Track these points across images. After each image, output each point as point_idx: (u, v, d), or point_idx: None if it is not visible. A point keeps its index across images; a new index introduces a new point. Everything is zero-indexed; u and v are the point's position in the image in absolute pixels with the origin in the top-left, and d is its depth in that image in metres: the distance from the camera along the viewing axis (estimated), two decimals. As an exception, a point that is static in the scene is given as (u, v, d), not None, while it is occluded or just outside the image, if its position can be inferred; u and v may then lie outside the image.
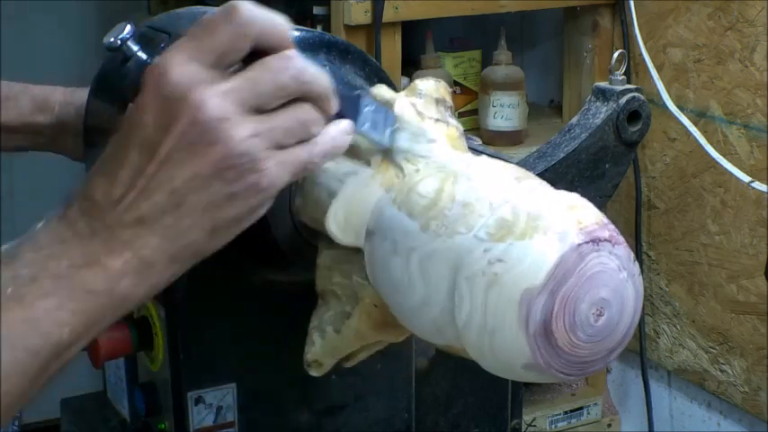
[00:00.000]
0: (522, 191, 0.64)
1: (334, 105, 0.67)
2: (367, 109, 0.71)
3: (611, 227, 0.61)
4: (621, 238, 0.61)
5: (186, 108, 0.61)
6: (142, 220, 0.62)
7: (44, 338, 0.61)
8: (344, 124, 0.68)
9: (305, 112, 0.65)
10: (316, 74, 0.65)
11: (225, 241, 0.65)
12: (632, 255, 0.62)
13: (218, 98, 0.61)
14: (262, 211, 0.65)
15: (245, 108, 0.62)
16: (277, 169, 0.63)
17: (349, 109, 0.69)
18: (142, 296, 0.64)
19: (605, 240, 0.60)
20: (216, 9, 0.67)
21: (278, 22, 0.65)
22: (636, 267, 0.62)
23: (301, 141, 0.65)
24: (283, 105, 0.64)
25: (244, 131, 0.62)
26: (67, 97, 1.05)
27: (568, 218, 0.60)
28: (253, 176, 0.62)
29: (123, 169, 0.62)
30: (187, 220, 0.62)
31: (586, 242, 0.59)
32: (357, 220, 0.70)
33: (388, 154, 0.71)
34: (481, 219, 0.62)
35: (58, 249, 0.62)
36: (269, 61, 0.63)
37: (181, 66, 0.62)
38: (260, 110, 0.63)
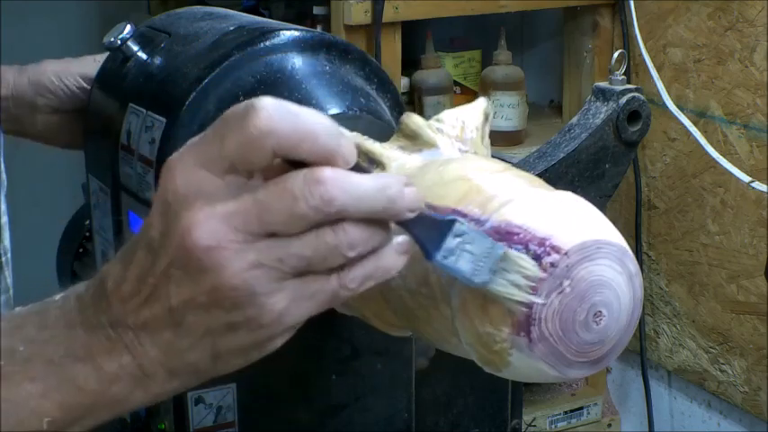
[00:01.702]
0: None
1: (388, 230, 0.56)
2: (457, 241, 0.57)
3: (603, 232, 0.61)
4: (615, 241, 0.61)
5: (178, 227, 0.54)
6: (145, 327, 0.56)
7: (21, 425, 0.57)
8: (399, 244, 0.57)
9: (338, 236, 0.54)
10: (362, 194, 0.54)
11: (232, 369, 0.59)
12: (631, 254, 0.62)
13: (213, 222, 0.53)
14: (276, 345, 0.57)
15: (250, 234, 0.53)
16: (288, 304, 0.55)
17: (428, 232, 0.57)
18: (140, 402, 0.58)
19: (600, 248, 0.60)
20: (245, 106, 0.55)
21: (309, 130, 0.53)
22: (635, 267, 0.62)
23: (335, 267, 0.55)
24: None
25: (240, 263, 0.53)
26: (24, 74, 1.05)
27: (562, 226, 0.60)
28: (252, 310, 0.54)
29: (133, 267, 0.57)
30: (186, 341, 0.56)
31: (579, 250, 0.59)
32: None
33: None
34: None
35: (60, 334, 0.58)
36: (288, 183, 0.53)
37: (185, 171, 0.55)
38: (274, 234, 0.54)
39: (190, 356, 0.57)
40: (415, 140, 0.73)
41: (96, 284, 0.58)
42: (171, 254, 0.54)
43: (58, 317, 0.58)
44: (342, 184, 0.53)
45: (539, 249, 0.58)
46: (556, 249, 0.58)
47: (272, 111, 0.53)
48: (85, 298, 0.58)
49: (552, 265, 0.58)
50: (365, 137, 0.72)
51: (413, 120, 0.74)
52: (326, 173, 0.53)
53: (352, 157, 0.55)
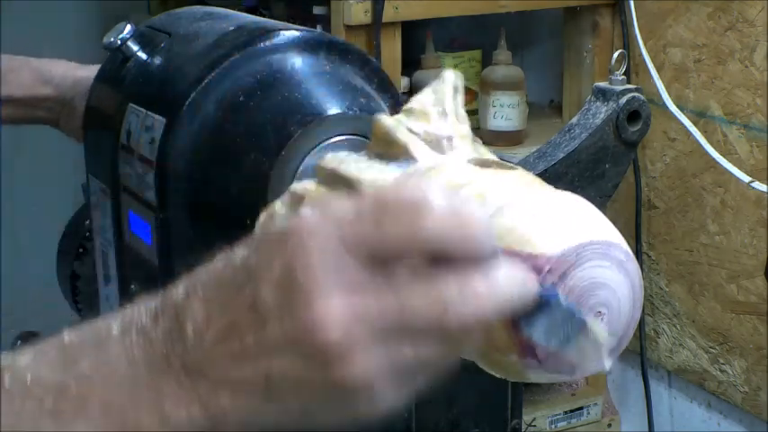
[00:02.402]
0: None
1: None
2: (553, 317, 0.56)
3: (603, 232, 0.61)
4: (615, 241, 0.61)
5: (308, 313, 0.48)
6: (225, 383, 0.51)
7: None
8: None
9: (458, 347, 0.52)
10: (504, 304, 0.51)
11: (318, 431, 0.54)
12: (617, 243, 0.61)
13: (349, 318, 0.48)
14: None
15: (380, 335, 0.49)
16: (396, 397, 0.51)
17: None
18: None
19: (595, 251, 0.60)
20: (401, 188, 0.50)
21: (472, 236, 0.49)
22: (624, 254, 0.61)
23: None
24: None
25: (367, 363, 0.48)
26: (68, 71, 1.06)
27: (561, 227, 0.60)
28: (362, 406, 0.50)
29: (224, 317, 0.51)
30: (273, 407, 0.51)
31: (576, 252, 0.59)
32: None
33: None
34: None
35: (122, 374, 0.52)
36: (441, 293, 0.48)
37: (326, 249, 0.49)
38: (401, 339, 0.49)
39: (273, 420, 0.52)
40: (389, 146, 0.71)
41: (170, 322, 0.52)
42: (288, 333, 0.49)
43: (119, 354, 0.52)
44: (494, 299, 0.49)
45: None
46: (537, 269, 0.57)
47: (444, 213, 0.48)
48: (153, 334, 0.52)
49: (540, 287, 0.57)
50: (341, 158, 0.71)
51: (382, 124, 0.71)
52: (483, 287, 0.49)
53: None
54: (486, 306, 0.49)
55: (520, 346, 0.59)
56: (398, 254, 0.49)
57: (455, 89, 0.73)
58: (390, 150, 0.71)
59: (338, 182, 0.70)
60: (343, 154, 0.72)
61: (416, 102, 0.72)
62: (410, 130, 0.71)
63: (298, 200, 0.71)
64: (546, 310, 0.56)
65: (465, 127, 0.72)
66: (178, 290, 0.53)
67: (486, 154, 0.73)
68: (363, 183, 0.69)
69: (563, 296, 0.57)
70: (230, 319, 0.50)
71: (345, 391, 0.49)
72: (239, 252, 0.52)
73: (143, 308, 0.53)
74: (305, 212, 0.50)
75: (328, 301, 0.48)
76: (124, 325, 0.53)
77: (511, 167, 0.69)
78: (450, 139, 0.71)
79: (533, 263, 0.57)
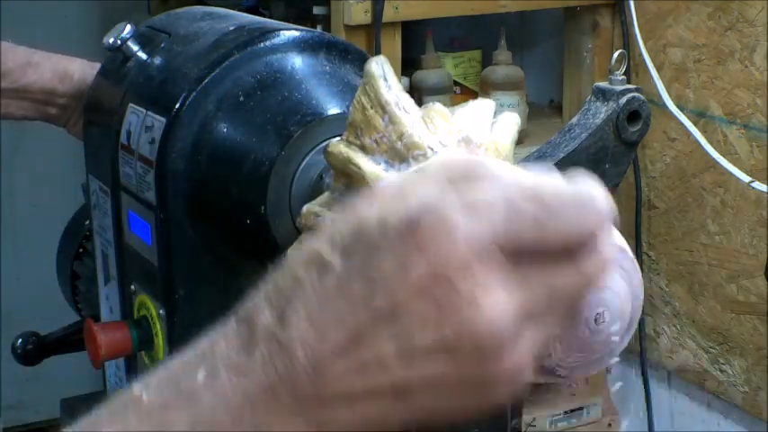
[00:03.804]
0: None
1: None
2: None
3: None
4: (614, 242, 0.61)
5: (470, 316, 0.46)
6: (346, 398, 0.47)
7: None
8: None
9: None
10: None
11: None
12: (629, 253, 0.61)
13: (512, 313, 0.46)
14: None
15: (533, 321, 0.48)
16: (523, 386, 0.49)
17: None
18: None
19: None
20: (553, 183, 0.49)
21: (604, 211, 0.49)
22: (633, 266, 0.61)
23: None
24: None
25: (525, 354, 0.48)
26: (86, 69, 1.06)
27: None
28: (501, 394, 0.49)
29: (345, 329, 0.47)
30: (398, 416, 0.48)
31: None
32: None
33: None
34: None
35: (225, 419, 0.47)
36: (582, 267, 0.48)
37: (482, 251, 0.46)
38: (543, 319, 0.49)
39: (391, 429, 0.49)
40: (350, 182, 0.67)
41: (270, 349, 0.47)
42: (446, 337, 0.46)
43: (215, 405, 0.47)
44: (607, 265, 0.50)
45: None
46: None
47: (604, 207, 0.48)
48: (251, 369, 0.47)
49: None
50: (316, 212, 0.69)
51: (335, 154, 0.66)
52: (606, 254, 0.49)
53: None
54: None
55: (540, 374, 0.60)
56: (558, 249, 0.48)
57: (384, 78, 0.68)
58: (352, 185, 0.67)
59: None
60: (317, 208, 0.70)
61: (354, 111, 0.68)
62: (362, 148, 0.67)
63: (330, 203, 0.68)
64: None
65: (412, 114, 0.68)
66: (264, 311, 0.48)
67: (443, 115, 0.68)
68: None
69: None
70: (353, 331, 0.46)
71: (495, 385, 0.48)
72: (334, 252, 0.48)
73: (224, 340, 0.49)
74: (441, 204, 0.46)
75: (493, 299, 0.46)
76: (209, 369, 0.48)
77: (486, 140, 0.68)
78: (402, 137, 0.67)
79: None
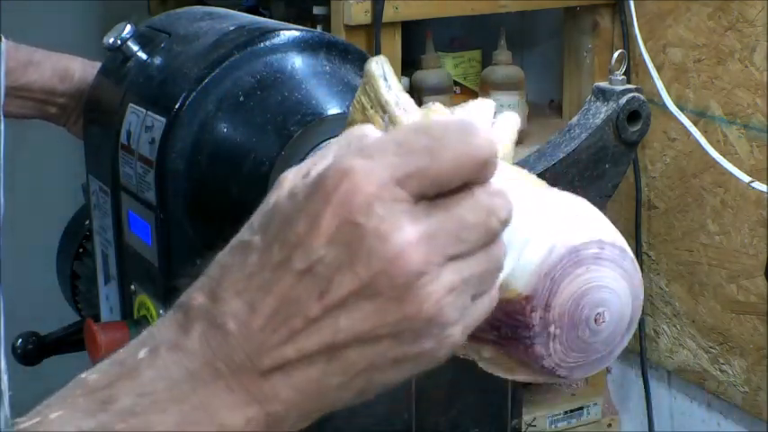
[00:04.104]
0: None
1: None
2: None
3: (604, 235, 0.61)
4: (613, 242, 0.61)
5: (380, 251, 0.47)
6: (282, 368, 0.48)
7: None
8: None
9: (499, 249, 0.52)
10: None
11: (365, 399, 0.52)
12: (628, 252, 0.61)
13: (421, 245, 0.48)
14: (417, 372, 0.52)
15: (445, 257, 0.49)
16: (460, 334, 0.50)
17: None
18: None
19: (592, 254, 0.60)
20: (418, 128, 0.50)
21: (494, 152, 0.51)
22: (632, 265, 0.61)
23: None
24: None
25: (439, 289, 0.48)
26: (86, 69, 1.06)
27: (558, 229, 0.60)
28: (433, 343, 0.49)
29: (271, 297, 0.48)
30: (336, 379, 0.49)
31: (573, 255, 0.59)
32: None
33: None
34: None
35: (165, 393, 0.48)
36: (481, 200, 0.50)
37: (381, 187, 0.48)
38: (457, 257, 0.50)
39: (333, 396, 0.50)
40: None
41: (204, 327, 0.49)
42: (359, 283, 0.47)
43: (155, 378, 0.49)
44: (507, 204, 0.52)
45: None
46: (521, 312, 0.58)
47: (488, 136, 0.50)
48: (187, 346, 0.49)
49: (532, 320, 0.58)
50: None
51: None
52: (499, 186, 0.51)
53: None
54: (509, 205, 0.51)
55: (540, 375, 0.60)
56: (451, 181, 0.49)
57: (384, 77, 0.68)
58: None
59: None
60: None
61: (354, 112, 0.68)
62: None
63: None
64: None
65: (412, 114, 0.67)
66: (197, 295, 0.51)
67: (443, 115, 0.69)
68: None
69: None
70: (279, 298, 0.48)
71: (419, 329, 0.48)
72: (254, 234, 0.50)
73: (163, 326, 0.51)
74: (339, 159, 0.48)
75: (401, 235, 0.47)
76: (150, 347, 0.50)
77: None
78: None
79: (514, 307, 0.58)
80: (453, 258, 0.49)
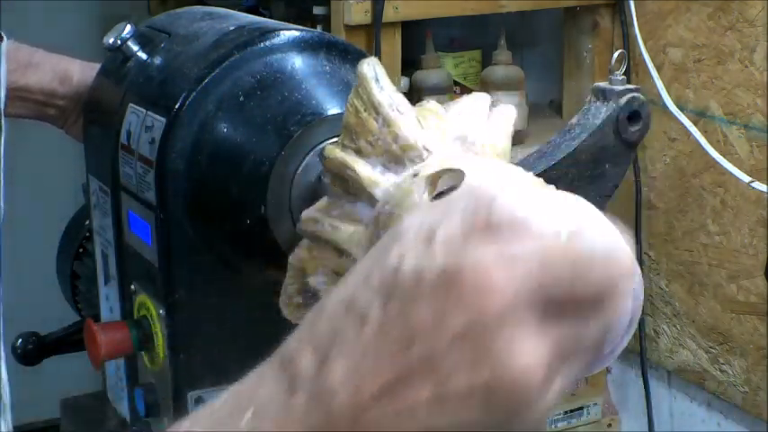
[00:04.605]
0: None
1: None
2: None
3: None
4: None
5: (506, 364, 0.47)
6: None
7: None
8: None
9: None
10: None
11: None
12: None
13: (546, 365, 0.47)
14: None
15: (565, 371, 0.49)
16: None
17: None
18: None
19: None
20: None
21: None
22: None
23: None
24: None
25: (552, 398, 0.48)
26: (85, 71, 1.05)
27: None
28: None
29: (383, 378, 0.48)
30: None
31: None
32: None
33: None
34: None
35: None
36: (609, 316, 0.50)
37: (519, 302, 0.47)
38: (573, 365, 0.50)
39: None
40: (347, 186, 0.67)
41: (311, 398, 0.49)
42: (479, 384, 0.47)
43: None
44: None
45: None
46: None
47: (632, 258, 0.50)
48: (293, 416, 0.49)
49: None
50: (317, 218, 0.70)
51: (331, 158, 0.67)
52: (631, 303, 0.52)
53: None
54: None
55: None
56: (584, 306, 0.49)
57: (376, 79, 0.68)
58: (350, 196, 0.68)
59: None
60: (316, 214, 0.70)
61: (348, 114, 0.68)
62: (357, 152, 0.67)
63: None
64: None
65: (406, 114, 0.68)
66: (304, 357, 0.50)
67: (437, 114, 0.68)
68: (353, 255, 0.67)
69: None
70: (391, 381, 0.48)
71: (522, 429, 0.49)
72: (373, 298, 0.49)
73: (265, 386, 0.51)
74: (479, 254, 0.47)
75: (528, 350, 0.47)
76: (252, 412, 0.50)
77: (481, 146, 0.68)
78: (397, 138, 0.67)
79: None
80: (568, 365, 0.49)
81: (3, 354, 0.93)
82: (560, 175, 0.84)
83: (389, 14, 1.61)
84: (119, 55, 0.95)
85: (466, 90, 1.93)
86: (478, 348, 0.47)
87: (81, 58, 1.09)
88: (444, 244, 0.48)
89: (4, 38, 0.72)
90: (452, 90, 1.87)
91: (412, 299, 0.48)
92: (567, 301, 0.48)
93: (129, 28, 0.95)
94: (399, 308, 0.48)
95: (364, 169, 0.67)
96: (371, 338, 0.48)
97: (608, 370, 2.03)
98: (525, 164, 0.84)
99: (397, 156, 0.68)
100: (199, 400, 0.86)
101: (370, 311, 0.49)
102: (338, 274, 0.72)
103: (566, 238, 0.49)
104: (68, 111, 1.07)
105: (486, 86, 1.84)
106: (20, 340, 1.09)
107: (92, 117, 1.00)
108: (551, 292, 0.48)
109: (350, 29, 1.61)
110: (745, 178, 1.53)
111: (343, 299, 0.50)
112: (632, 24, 1.75)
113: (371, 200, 0.67)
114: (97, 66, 1.03)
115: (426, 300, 0.48)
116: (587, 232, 0.49)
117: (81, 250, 1.08)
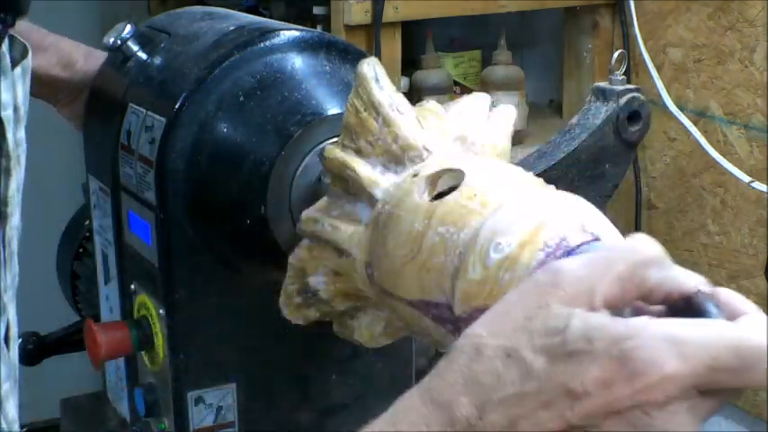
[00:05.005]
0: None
1: None
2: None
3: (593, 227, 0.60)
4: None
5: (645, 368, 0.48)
6: None
7: None
8: None
9: None
10: None
11: None
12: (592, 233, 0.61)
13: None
14: None
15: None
16: None
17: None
18: None
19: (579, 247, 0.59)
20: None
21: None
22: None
23: None
24: None
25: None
26: (89, 59, 1.05)
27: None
28: None
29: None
30: None
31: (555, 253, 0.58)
32: None
33: None
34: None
35: None
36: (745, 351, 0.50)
37: (683, 392, 0.48)
38: None
39: None
40: (347, 186, 0.68)
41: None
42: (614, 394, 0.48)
43: None
44: None
45: None
46: None
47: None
48: None
49: None
50: (316, 218, 0.70)
51: (332, 158, 0.68)
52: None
53: None
54: None
55: None
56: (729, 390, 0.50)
57: (375, 79, 0.69)
58: (349, 196, 0.68)
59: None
60: (316, 214, 0.70)
61: (348, 115, 0.69)
62: (357, 152, 0.68)
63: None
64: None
65: (406, 114, 0.68)
66: (464, 402, 0.51)
67: (437, 114, 0.69)
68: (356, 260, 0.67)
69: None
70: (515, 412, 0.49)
71: None
72: (537, 354, 0.50)
73: (422, 427, 0.52)
74: (651, 338, 0.49)
75: (679, 424, 0.48)
76: None
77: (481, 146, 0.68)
78: (397, 138, 0.67)
79: None
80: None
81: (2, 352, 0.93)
82: (560, 175, 0.84)
83: (389, 14, 1.61)
84: (119, 55, 0.95)
85: (466, 90, 1.93)
86: (636, 425, 0.48)
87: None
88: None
89: (30, 51, 0.72)
90: (452, 90, 1.87)
91: (578, 361, 0.49)
92: (729, 387, 0.49)
93: (129, 28, 0.95)
94: (563, 367, 0.49)
95: (364, 169, 0.67)
96: (532, 395, 0.49)
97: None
98: (525, 164, 0.84)
99: (397, 156, 0.68)
100: (199, 400, 0.86)
101: (533, 366, 0.50)
102: (338, 274, 0.72)
103: (737, 334, 0.49)
104: (64, 92, 1.06)
105: (486, 86, 1.84)
106: (20, 340, 1.09)
107: (92, 117, 1.00)
108: (714, 383, 0.49)
109: (350, 29, 1.61)
110: (745, 178, 1.53)
111: (505, 346, 0.51)
112: (632, 24, 1.75)
113: (371, 200, 0.67)
114: (102, 54, 1.02)
115: (593, 365, 0.48)
116: (753, 326, 0.50)
117: (81, 250, 1.08)
